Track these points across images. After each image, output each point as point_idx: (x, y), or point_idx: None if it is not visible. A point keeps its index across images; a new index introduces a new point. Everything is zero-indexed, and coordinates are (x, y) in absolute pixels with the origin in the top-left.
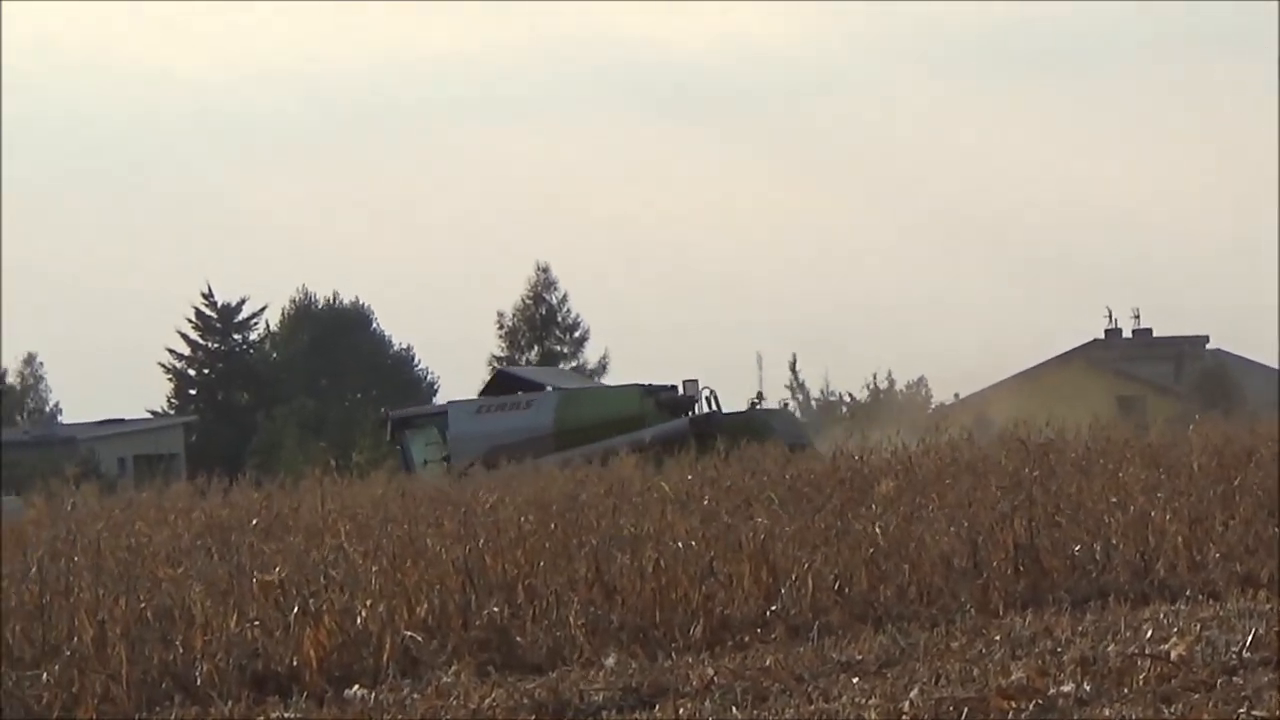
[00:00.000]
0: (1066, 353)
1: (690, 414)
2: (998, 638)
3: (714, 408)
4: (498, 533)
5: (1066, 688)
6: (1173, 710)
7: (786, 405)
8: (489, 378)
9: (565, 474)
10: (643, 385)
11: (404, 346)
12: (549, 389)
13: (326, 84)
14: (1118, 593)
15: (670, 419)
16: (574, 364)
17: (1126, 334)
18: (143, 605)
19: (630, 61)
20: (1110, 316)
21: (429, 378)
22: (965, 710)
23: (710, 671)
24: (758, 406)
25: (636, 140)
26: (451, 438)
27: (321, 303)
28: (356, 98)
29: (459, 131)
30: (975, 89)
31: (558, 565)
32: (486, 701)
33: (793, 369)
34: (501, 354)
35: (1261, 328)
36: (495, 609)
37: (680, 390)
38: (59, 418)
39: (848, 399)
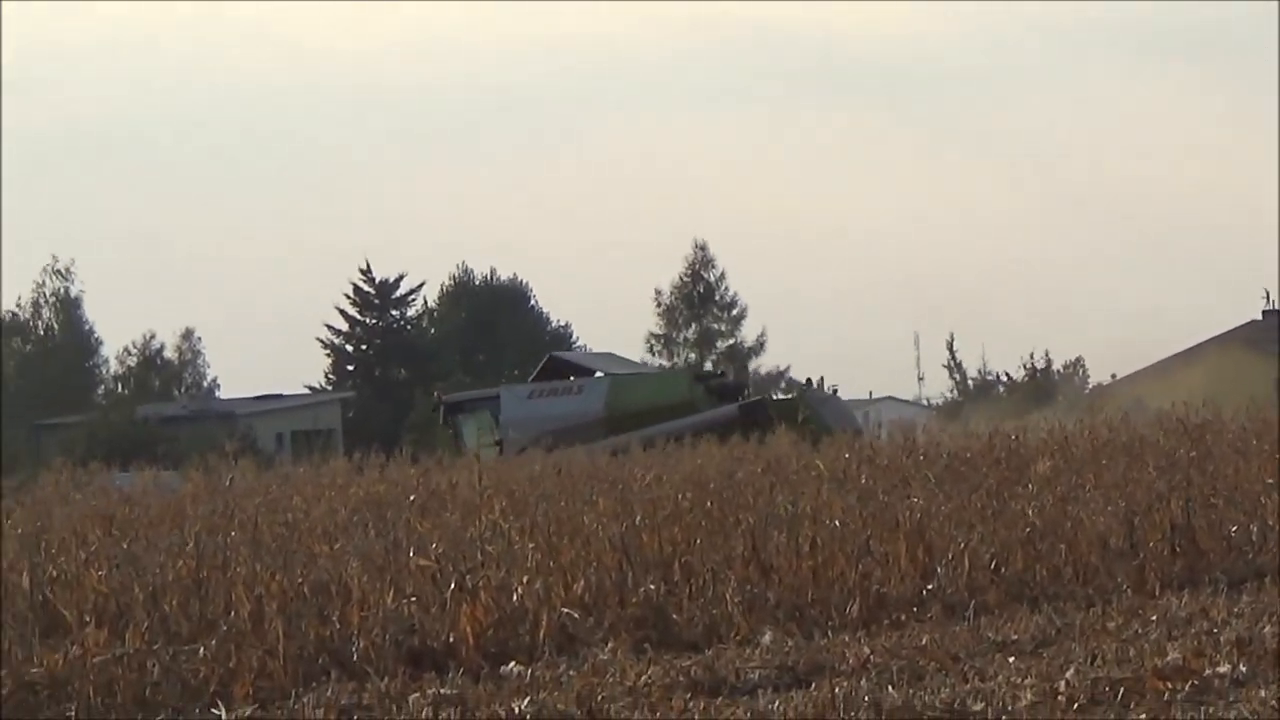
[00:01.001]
0: (1224, 334)
1: (740, 399)
2: (1154, 618)
3: (817, 390)
4: (654, 510)
5: (1222, 669)
6: None
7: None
8: (543, 363)
9: (723, 451)
10: (695, 371)
11: (562, 323)
12: (600, 374)
13: (490, 63)
14: (1274, 574)
15: (720, 404)
16: (731, 342)
17: None
18: (300, 581)
19: (786, 44)
20: (1268, 298)
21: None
22: (1121, 691)
23: (866, 650)
24: (806, 393)
25: (793, 121)
26: (504, 422)
27: (480, 279)
28: (521, 77)
29: (619, 114)
30: (1130, 69)
31: (714, 543)
32: (642, 679)
33: (949, 348)
34: (659, 331)
35: None
36: (651, 586)
37: (729, 376)
38: (217, 393)
39: (1005, 379)
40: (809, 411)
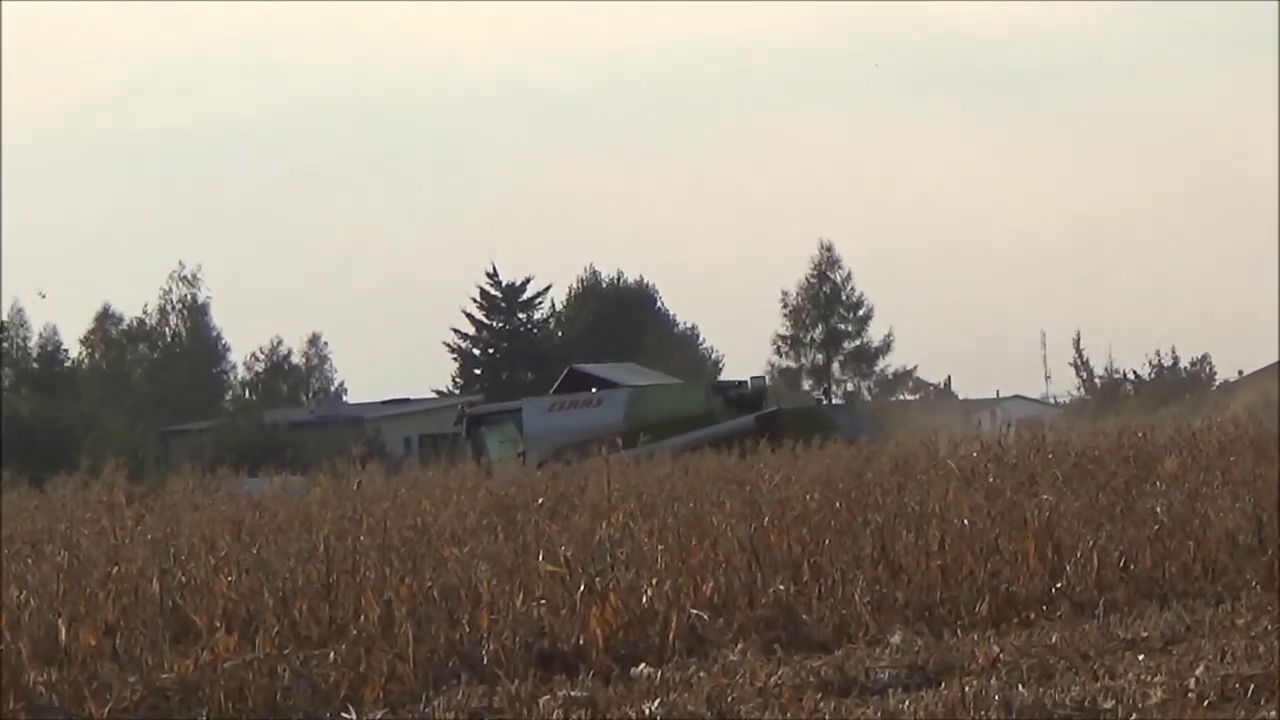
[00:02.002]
0: None
1: (757, 411)
2: None
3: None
4: (783, 511)
5: None
6: None
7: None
8: (563, 375)
9: (850, 451)
10: (711, 382)
11: (689, 325)
12: (620, 386)
13: (615, 64)
14: None
15: (738, 415)
16: (858, 343)
17: None
18: (429, 584)
19: (911, 41)
20: None
21: (714, 356)
22: (1251, 687)
23: (995, 649)
24: (822, 403)
25: (920, 119)
26: (526, 434)
27: (607, 281)
28: (645, 79)
29: (745, 114)
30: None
31: (843, 543)
32: (772, 680)
33: (1076, 346)
34: (785, 332)
35: None
36: (780, 587)
37: (748, 386)
38: (344, 398)
39: (1132, 376)
40: (824, 420)
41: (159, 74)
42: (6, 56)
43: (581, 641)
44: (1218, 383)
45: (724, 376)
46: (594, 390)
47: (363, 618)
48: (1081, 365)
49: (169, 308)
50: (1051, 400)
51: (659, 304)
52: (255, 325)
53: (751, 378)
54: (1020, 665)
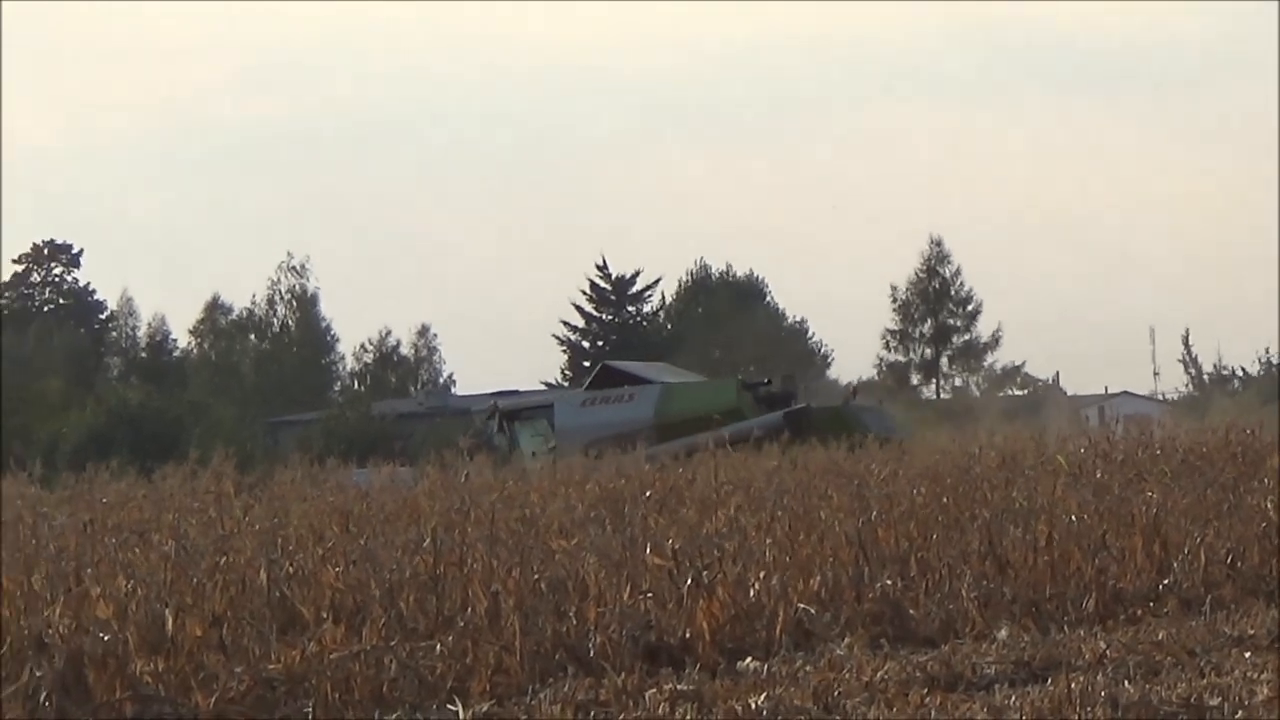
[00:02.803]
0: None
1: (786, 408)
2: None
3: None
4: (890, 505)
5: None
6: None
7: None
8: (595, 372)
9: (957, 447)
10: (741, 380)
11: (798, 319)
12: (651, 383)
13: (728, 59)
14: None
15: (767, 412)
16: (966, 338)
17: None
18: (536, 577)
19: (1018, 37)
20: None
21: (823, 349)
22: None
23: (1102, 645)
24: (850, 402)
25: (1036, 116)
26: (558, 430)
27: (716, 275)
28: (757, 74)
29: (853, 109)
30: None
31: (950, 538)
32: (879, 675)
33: (1185, 343)
34: (894, 327)
35: None
36: (888, 581)
37: (776, 385)
38: (452, 389)
39: (1240, 373)
40: (852, 419)
41: (271, 66)
42: (114, 49)
43: (688, 635)
44: None
45: (832, 373)
46: (625, 387)
47: (469, 610)
48: (1190, 362)
49: (277, 298)
50: (1160, 397)
51: (768, 297)
52: (365, 316)
53: (783, 376)
54: (1127, 662)
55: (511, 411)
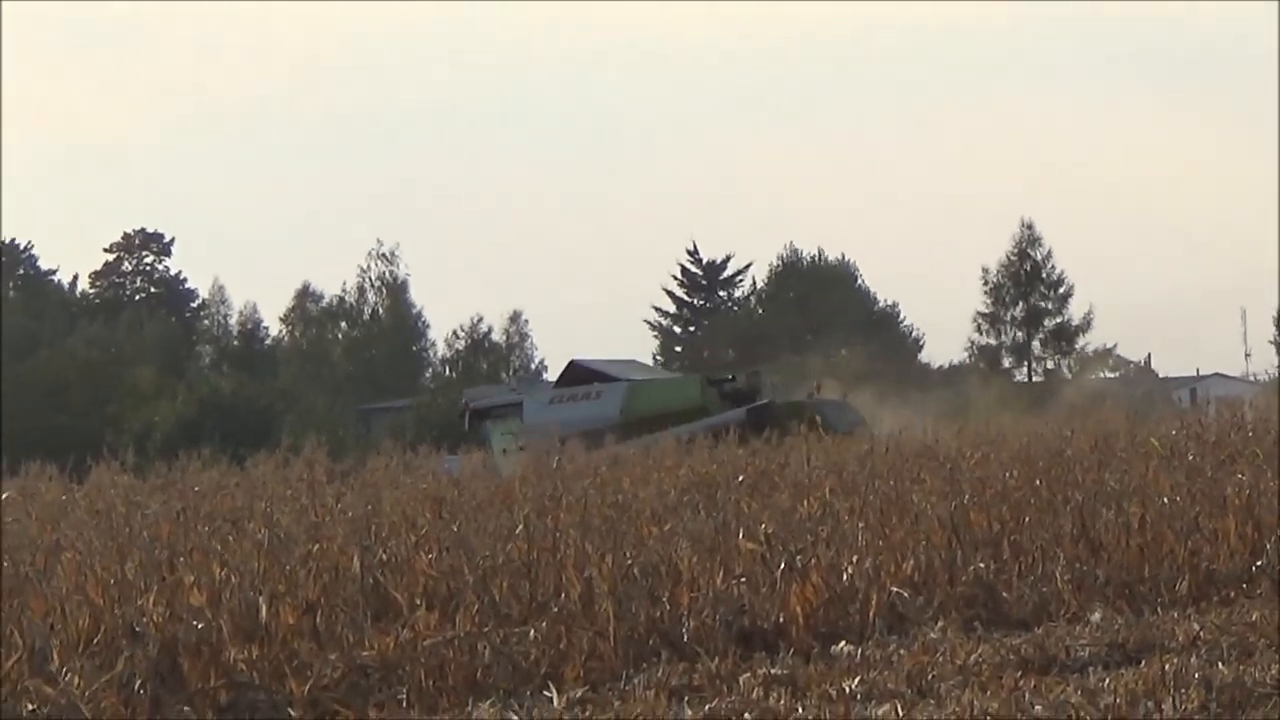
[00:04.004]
0: None
1: (751, 404)
2: None
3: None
4: (983, 488)
5: None
6: None
7: (845, 396)
8: (564, 369)
9: (1050, 430)
10: (706, 377)
11: (889, 303)
12: (619, 380)
13: (817, 41)
14: None
15: (732, 409)
16: (1058, 320)
17: None
18: (629, 562)
19: (1110, 22)
20: None
21: (914, 333)
22: None
23: (1195, 627)
24: (813, 396)
25: (1125, 99)
26: (526, 426)
27: (807, 259)
28: (847, 58)
29: (945, 93)
30: None
31: (1043, 520)
32: (972, 658)
33: (1277, 324)
34: (985, 310)
35: None
36: (981, 564)
37: (740, 381)
38: (544, 376)
39: None
40: (815, 414)
41: (361, 54)
42: (204, 40)
43: (782, 619)
44: None
45: (923, 356)
46: (594, 384)
47: (563, 595)
48: None
49: (368, 285)
50: (1251, 378)
51: (859, 281)
52: (455, 303)
53: (748, 372)
54: (1220, 643)
55: (482, 409)
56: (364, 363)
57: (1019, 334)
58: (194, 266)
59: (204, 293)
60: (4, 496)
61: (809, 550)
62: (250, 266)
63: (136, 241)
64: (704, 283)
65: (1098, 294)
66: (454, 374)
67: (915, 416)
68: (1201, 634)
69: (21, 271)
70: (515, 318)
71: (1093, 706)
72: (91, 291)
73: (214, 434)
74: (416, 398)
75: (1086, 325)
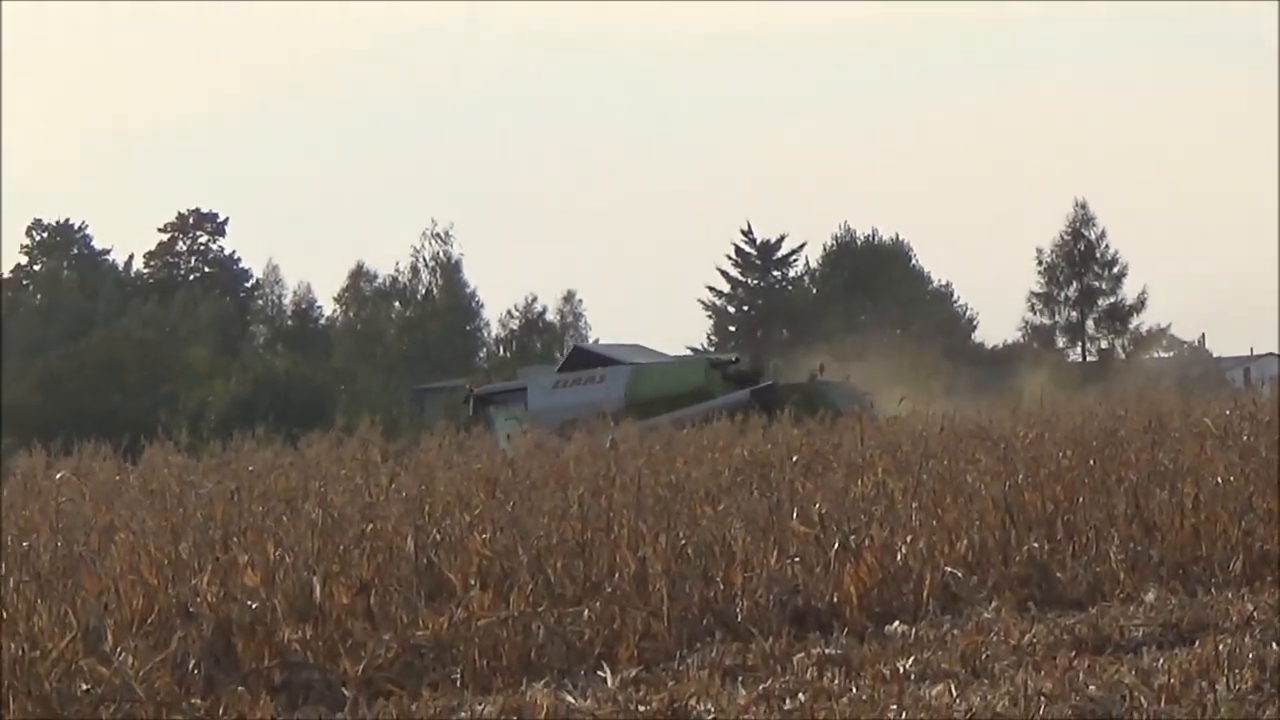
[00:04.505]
0: None
1: (755, 385)
2: None
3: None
4: (1036, 468)
5: None
6: None
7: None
8: (568, 354)
9: (1104, 410)
10: (710, 359)
11: (943, 282)
12: (623, 364)
13: (871, 22)
14: None
15: (735, 390)
16: (1112, 300)
17: None
18: (683, 542)
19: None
20: None
21: (968, 313)
22: None
23: (1249, 607)
24: (815, 378)
25: (1178, 78)
26: (530, 411)
27: (861, 239)
28: (899, 37)
29: (996, 73)
30: None
31: (1097, 500)
32: (1026, 637)
33: None
34: (1039, 290)
35: None
36: (1035, 544)
37: (744, 364)
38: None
39: None
40: (819, 396)
41: (412, 34)
42: (257, 18)
43: (835, 599)
44: None
45: (976, 336)
46: (598, 369)
47: (617, 575)
48: None
49: (421, 265)
50: None
51: (913, 261)
52: (510, 283)
53: (751, 355)
54: (1274, 623)
55: (486, 395)
56: (418, 342)
57: (1073, 314)
58: (248, 246)
59: (258, 272)
60: (58, 476)
61: (863, 530)
62: (304, 246)
63: (191, 221)
64: (758, 262)
65: (1152, 274)
66: (508, 354)
67: (924, 397)
68: (1255, 614)
69: (76, 251)
70: (569, 297)
71: (1147, 687)
72: (146, 271)
73: (268, 414)
74: (470, 377)
75: (1140, 305)
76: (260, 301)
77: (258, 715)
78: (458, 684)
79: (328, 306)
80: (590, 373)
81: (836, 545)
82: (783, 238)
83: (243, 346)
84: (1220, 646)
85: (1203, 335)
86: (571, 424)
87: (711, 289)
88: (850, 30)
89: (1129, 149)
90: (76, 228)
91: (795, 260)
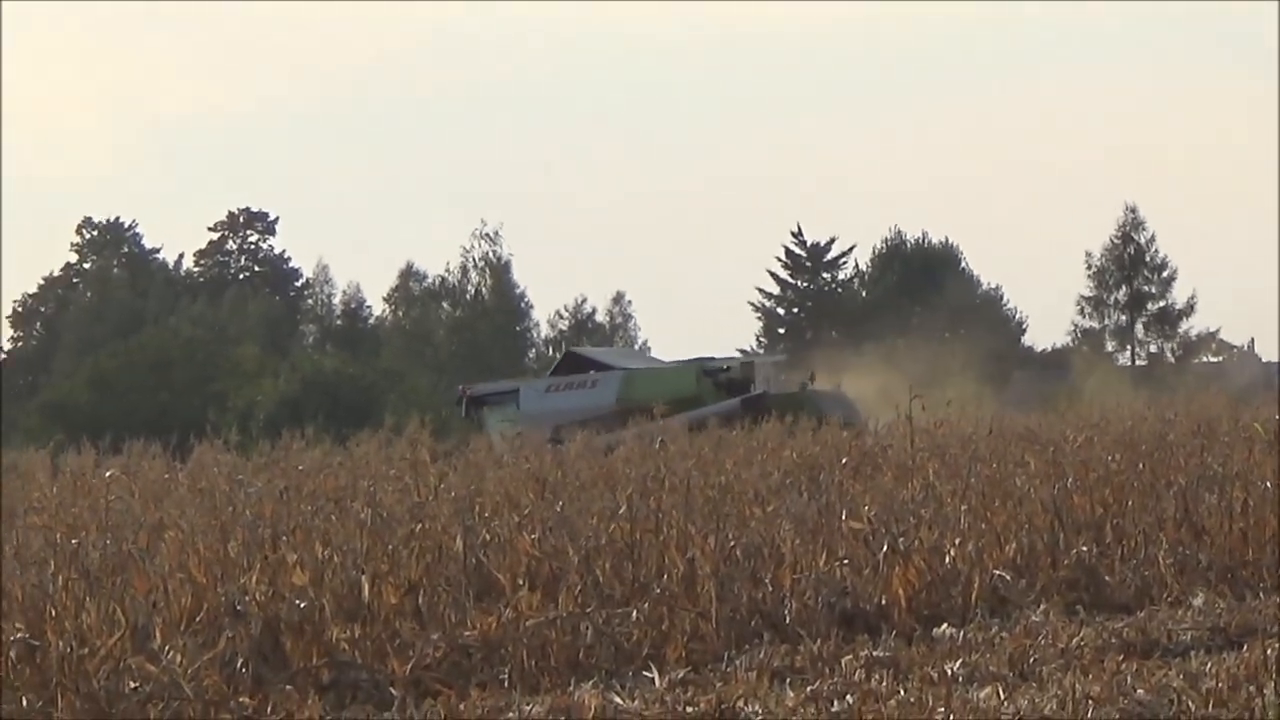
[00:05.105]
0: None
1: (745, 394)
2: None
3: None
4: (1085, 472)
5: None
6: None
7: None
8: (560, 358)
9: (1152, 413)
10: (701, 366)
11: (992, 286)
12: (614, 369)
13: (919, 26)
14: None
15: (726, 398)
16: (1161, 304)
17: None
18: (732, 544)
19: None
20: None
21: (1017, 316)
22: None
23: None
24: (806, 387)
25: (1231, 80)
26: (522, 414)
27: (911, 242)
28: (946, 40)
29: (1046, 76)
30: None
31: (1145, 504)
32: (1075, 640)
33: None
34: (1089, 293)
35: None
36: (1083, 548)
37: (734, 371)
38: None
39: None
40: (809, 403)
41: (462, 34)
42: (306, 18)
43: (884, 601)
44: None
45: (1026, 339)
46: (590, 373)
47: (666, 576)
48: None
49: (471, 265)
50: None
51: (963, 264)
52: (559, 284)
53: (742, 363)
54: None
55: (479, 397)
56: (467, 343)
57: (1122, 318)
58: (298, 246)
59: (308, 272)
60: (108, 474)
61: (911, 533)
62: (354, 246)
63: (241, 220)
64: (808, 264)
65: (1201, 278)
66: (557, 354)
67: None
68: None
69: (126, 250)
70: (618, 298)
71: (1194, 690)
72: (196, 270)
73: (317, 413)
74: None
75: (1190, 309)
76: (310, 301)
77: (305, 714)
78: (506, 684)
79: (377, 306)
80: (582, 377)
81: (885, 547)
82: (833, 240)
83: (292, 346)
84: (1268, 650)
85: (1252, 340)
86: (563, 428)
87: (761, 290)
88: (900, 32)
89: (1181, 152)
90: (127, 226)
91: (845, 262)
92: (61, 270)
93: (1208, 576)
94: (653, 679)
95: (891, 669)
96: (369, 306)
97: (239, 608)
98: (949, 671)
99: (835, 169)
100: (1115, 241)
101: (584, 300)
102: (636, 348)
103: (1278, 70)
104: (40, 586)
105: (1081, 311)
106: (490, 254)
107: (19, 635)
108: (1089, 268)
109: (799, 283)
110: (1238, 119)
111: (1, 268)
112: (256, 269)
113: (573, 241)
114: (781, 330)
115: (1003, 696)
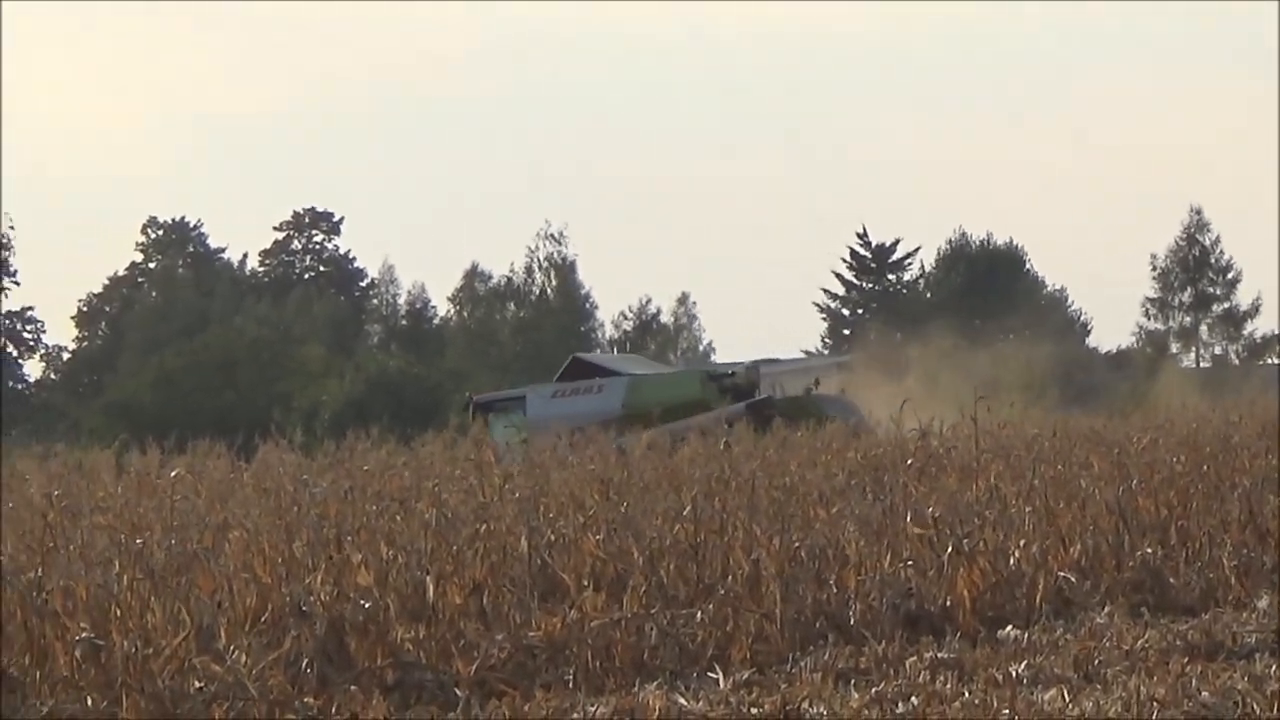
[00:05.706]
0: None
1: (750, 398)
2: None
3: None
4: (1150, 473)
5: None
6: None
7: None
8: (566, 364)
9: (1216, 415)
10: (706, 371)
11: (1057, 287)
12: (621, 375)
13: (980, 29)
14: None
15: (732, 403)
16: (1226, 306)
17: None
18: (796, 545)
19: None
20: None
21: (1081, 318)
22: None
23: None
24: (811, 392)
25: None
26: (529, 420)
27: (976, 243)
28: (1011, 41)
29: (1108, 79)
30: None
31: (1210, 506)
32: (1139, 643)
33: None
34: (1153, 295)
35: None
36: (1148, 550)
37: (740, 376)
38: (712, 357)
39: None
40: (813, 408)
41: (526, 36)
42: (374, 18)
43: (949, 603)
44: None
45: (1092, 339)
46: (596, 379)
47: (730, 578)
48: None
49: (536, 266)
50: None
51: (1028, 266)
52: (624, 284)
53: (746, 366)
54: None
55: (486, 402)
56: (532, 343)
57: (1186, 319)
58: (363, 246)
59: (373, 272)
60: (173, 474)
61: (976, 534)
62: (419, 247)
63: (306, 220)
64: (873, 266)
65: (1266, 280)
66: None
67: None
68: None
69: (191, 249)
70: (683, 299)
71: (1259, 693)
72: (261, 270)
73: (382, 413)
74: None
75: (1255, 311)
76: (375, 301)
77: (370, 715)
78: (570, 685)
79: (442, 307)
80: (588, 383)
81: (950, 549)
82: (897, 241)
83: (357, 346)
84: None
85: None
86: (569, 433)
87: (826, 291)
88: (966, 35)
89: (1245, 154)
90: (192, 226)
91: (910, 264)
92: (127, 270)
93: (1272, 579)
94: (717, 680)
95: (956, 671)
96: (434, 307)
97: (304, 608)
98: (1014, 673)
99: (902, 170)
100: (1180, 243)
101: (648, 301)
102: (701, 349)
103: None
104: (105, 586)
105: (1146, 313)
106: (555, 254)
107: (84, 635)
108: (1154, 269)
109: (864, 284)
110: None
111: (67, 268)
112: (321, 269)
113: (638, 243)
114: (846, 331)
115: (1067, 699)
